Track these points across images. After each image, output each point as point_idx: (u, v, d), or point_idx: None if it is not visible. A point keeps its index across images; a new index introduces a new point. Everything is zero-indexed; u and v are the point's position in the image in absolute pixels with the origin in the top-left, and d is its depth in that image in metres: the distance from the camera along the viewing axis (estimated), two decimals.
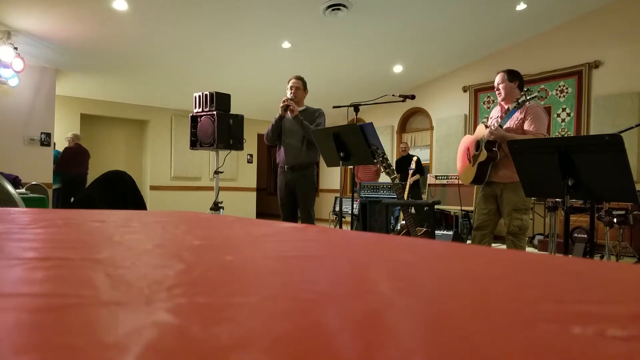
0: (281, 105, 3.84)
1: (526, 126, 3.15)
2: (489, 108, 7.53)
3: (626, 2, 6.08)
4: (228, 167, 5.53)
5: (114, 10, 5.27)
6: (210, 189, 9.18)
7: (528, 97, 3.09)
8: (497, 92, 3.40)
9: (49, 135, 6.98)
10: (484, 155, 3.24)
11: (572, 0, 6.14)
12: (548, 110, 6.90)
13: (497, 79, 3.40)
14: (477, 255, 0.66)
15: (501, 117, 3.31)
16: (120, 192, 2.63)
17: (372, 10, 5.87)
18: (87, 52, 6.41)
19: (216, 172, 4.77)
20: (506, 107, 3.33)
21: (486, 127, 3.27)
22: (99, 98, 8.61)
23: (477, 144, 3.33)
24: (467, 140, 3.51)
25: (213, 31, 6.07)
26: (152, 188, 9.24)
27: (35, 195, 3.89)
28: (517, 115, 3.18)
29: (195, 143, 4.71)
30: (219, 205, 4.77)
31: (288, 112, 3.83)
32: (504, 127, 3.20)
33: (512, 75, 3.36)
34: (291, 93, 3.94)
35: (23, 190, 4.31)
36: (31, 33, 5.75)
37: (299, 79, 4.01)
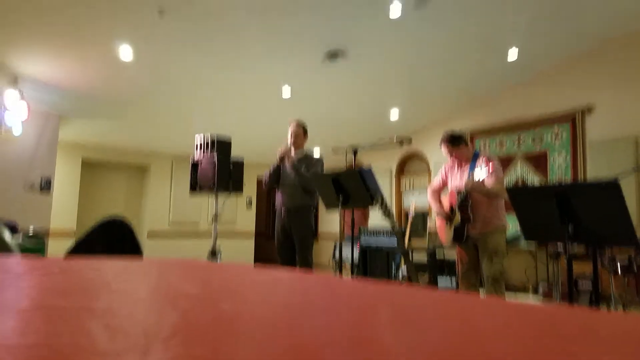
0: (278, 155, 3.90)
1: (487, 181, 3.38)
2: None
3: (615, 46, 6.23)
4: (227, 211, 5.52)
5: (119, 56, 5.42)
6: (209, 234, 9.13)
7: (487, 166, 3.33)
8: (451, 160, 3.71)
9: (49, 181, 6.99)
10: (458, 218, 3.48)
11: (562, 45, 6.31)
12: (544, 155, 6.99)
13: (444, 150, 3.68)
14: (480, 307, 0.66)
15: (459, 167, 3.66)
16: (119, 239, 2.61)
17: (369, 58, 6.04)
18: (92, 97, 6.53)
19: (215, 217, 4.75)
20: (464, 164, 3.62)
21: (458, 192, 3.53)
22: (101, 143, 8.70)
23: (452, 209, 3.58)
24: (442, 200, 3.79)
25: (215, 77, 6.22)
26: (150, 234, 9.18)
27: (33, 242, 3.86)
28: (479, 163, 3.40)
29: (195, 187, 4.73)
30: (216, 252, 4.71)
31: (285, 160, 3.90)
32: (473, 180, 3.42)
33: (455, 141, 3.63)
34: (291, 140, 4.00)
35: (20, 237, 4.28)
36: (38, 79, 5.89)
37: (300, 125, 4.08)
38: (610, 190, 2.08)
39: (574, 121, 6.66)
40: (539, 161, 7.05)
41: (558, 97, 6.82)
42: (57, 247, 7.14)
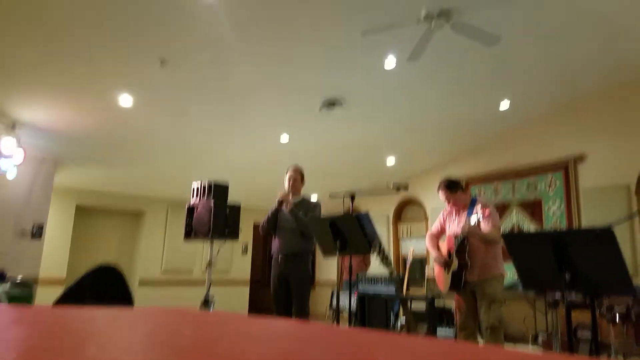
0: (277, 199, 3.90)
1: (483, 225, 3.43)
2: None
3: (604, 97, 6.40)
4: (222, 258, 5.43)
5: (119, 104, 5.50)
6: (202, 282, 8.97)
7: (484, 211, 3.41)
8: (449, 205, 3.75)
9: (41, 227, 6.91)
10: (455, 264, 3.48)
11: (553, 96, 6.48)
12: (538, 202, 7.03)
13: (442, 196, 3.74)
14: (479, 356, 0.64)
15: (457, 213, 3.69)
16: (109, 287, 2.56)
17: (365, 108, 6.18)
18: (88, 143, 6.57)
19: (209, 264, 4.68)
20: (461, 211, 3.65)
21: (455, 237, 3.56)
22: (96, 189, 8.67)
23: (449, 254, 3.59)
24: (440, 246, 3.80)
25: (214, 123, 6.31)
26: (142, 283, 9.00)
27: (20, 290, 3.77)
28: (476, 209, 3.46)
29: (190, 233, 4.68)
30: (210, 300, 4.60)
31: (283, 206, 3.89)
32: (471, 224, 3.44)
33: (453, 187, 3.70)
34: (289, 186, 4.01)
35: (8, 285, 4.19)
36: (35, 125, 5.93)
37: (297, 170, 4.10)
38: (605, 237, 2.08)
39: (567, 169, 6.74)
40: (534, 209, 7.08)
41: (551, 146, 6.93)
42: (46, 295, 6.98)
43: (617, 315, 4.43)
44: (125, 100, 5.43)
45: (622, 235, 5.66)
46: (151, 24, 4.20)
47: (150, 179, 8.30)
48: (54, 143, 6.47)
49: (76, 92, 5.30)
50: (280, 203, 3.89)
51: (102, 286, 2.52)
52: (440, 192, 3.71)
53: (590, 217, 6.30)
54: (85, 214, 9.00)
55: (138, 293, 8.68)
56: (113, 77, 5.05)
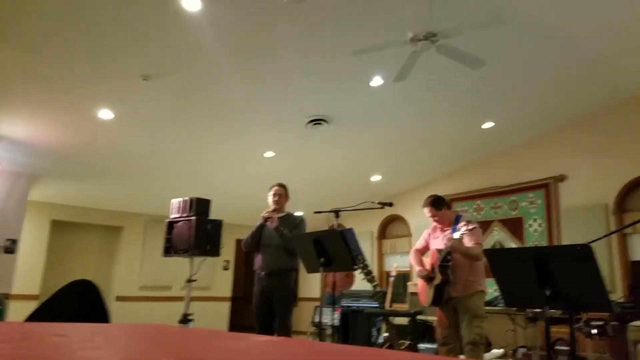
0: (262, 215, 3.87)
1: (466, 241, 3.46)
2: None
3: (587, 120, 6.56)
4: (202, 274, 5.32)
5: (99, 119, 5.42)
6: (181, 299, 8.80)
7: (468, 227, 3.41)
8: (434, 221, 3.78)
9: (14, 242, 6.73)
10: (438, 278, 3.49)
11: (535, 119, 6.61)
12: (520, 220, 7.12)
13: (427, 212, 3.77)
14: None
15: (441, 230, 3.72)
16: (86, 303, 2.49)
17: (351, 126, 6.21)
18: (66, 157, 6.44)
19: (189, 281, 4.58)
20: (445, 228, 3.68)
21: (438, 251, 3.58)
22: (72, 204, 8.48)
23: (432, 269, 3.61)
24: (423, 261, 3.81)
25: (196, 138, 6.25)
26: (119, 298, 8.80)
27: None
28: (460, 225, 3.47)
29: (169, 249, 4.59)
30: (189, 317, 4.50)
31: (268, 222, 3.86)
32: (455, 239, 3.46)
33: (438, 204, 3.75)
34: (274, 201, 3.98)
35: None
36: (12, 139, 5.80)
37: (282, 186, 4.09)
38: (584, 253, 2.11)
39: (548, 188, 6.86)
40: (515, 226, 7.17)
41: (532, 166, 7.07)
42: (19, 311, 6.77)
43: (595, 329, 4.49)
44: (105, 115, 5.36)
45: (600, 253, 5.78)
46: (133, 40, 4.17)
47: (129, 195, 8.18)
48: (30, 157, 6.34)
49: (54, 107, 5.21)
50: (266, 219, 3.85)
51: (78, 302, 2.45)
52: (425, 208, 3.75)
53: (570, 235, 6.39)
54: (61, 229, 8.81)
55: (115, 309, 8.48)
56: (93, 92, 4.98)
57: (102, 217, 8.92)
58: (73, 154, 6.37)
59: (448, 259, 3.50)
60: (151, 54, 4.41)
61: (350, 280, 6.71)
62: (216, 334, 1.03)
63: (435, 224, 3.79)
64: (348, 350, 0.82)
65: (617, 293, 5.80)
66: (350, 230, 3.36)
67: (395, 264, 7.03)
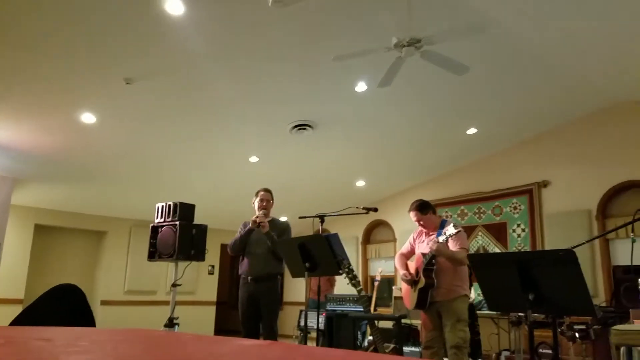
0: (254, 219, 3.84)
1: (451, 245, 3.50)
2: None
3: (569, 127, 6.67)
4: (187, 279, 5.28)
5: (82, 123, 5.37)
6: (166, 303, 8.72)
7: (454, 230, 3.42)
8: (420, 226, 3.81)
9: None
10: (422, 281, 3.52)
11: (519, 126, 6.72)
12: (504, 225, 7.21)
13: (413, 217, 3.80)
14: None
15: (427, 234, 3.75)
16: (70, 308, 2.47)
17: (335, 131, 6.24)
18: (49, 161, 6.36)
19: (174, 285, 4.56)
20: (430, 233, 3.70)
21: (423, 255, 3.60)
22: (56, 208, 8.37)
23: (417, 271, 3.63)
24: (408, 265, 3.83)
25: (180, 143, 6.22)
26: (104, 302, 8.70)
27: None
28: (446, 230, 3.47)
29: (153, 254, 4.56)
30: (174, 321, 4.49)
31: (260, 227, 3.84)
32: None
33: (424, 209, 3.78)
34: (262, 207, 3.97)
35: None
36: None
37: (268, 191, 4.08)
38: (568, 258, 2.14)
39: (531, 194, 6.96)
40: (499, 231, 7.25)
41: (515, 173, 7.16)
42: (3, 316, 6.65)
43: (577, 334, 4.55)
44: (88, 118, 5.31)
45: (583, 258, 5.85)
46: (115, 43, 4.15)
47: (113, 199, 8.10)
48: (12, 161, 6.24)
49: (37, 110, 5.14)
50: (257, 224, 3.83)
51: (62, 306, 2.42)
52: (411, 212, 3.77)
53: (553, 240, 6.48)
54: (45, 233, 8.68)
55: (100, 313, 8.38)
56: (76, 96, 4.93)
57: (86, 221, 8.82)
58: (56, 158, 6.29)
59: (433, 263, 3.52)
60: (134, 57, 4.38)
61: (331, 283, 6.72)
62: (203, 338, 1.03)
63: (421, 228, 3.82)
64: (333, 353, 0.83)
65: (600, 297, 5.90)
66: (336, 235, 3.36)
67: (380, 268, 7.04)
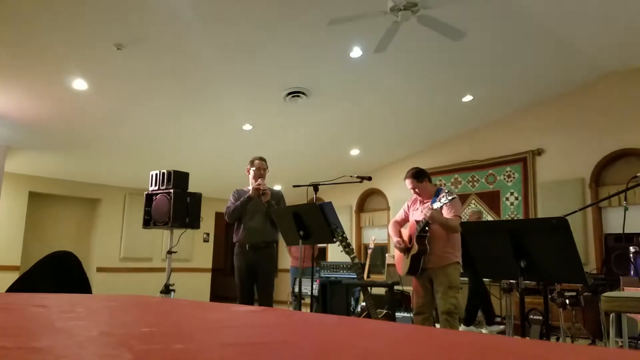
0: (255, 186, 3.82)
1: (445, 212, 3.51)
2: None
3: (564, 96, 6.66)
4: (182, 246, 5.33)
5: (74, 89, 5.28)
6: (162, 270, 8.81)
7: (448, 197, 3.43)
8: (415, 193, 3.80)
9: None
10: (415, 248, 3.54)
11: (514, 94, 6.68)
12: (497, 193, 7.26)
13: (409, 184, 3.79)
14: (439, 339, 0.65)
15: (421, 202, 3.74)
16: (66, 275, 2.48)
17: (330, 98, 6.17)
18: (42, 129, 6.30)
19: (169, 252, 4.59)
20: (425, 201, 3.70)
21: (417, 222, 3.62)
22: (50, 176, 8.34)
23: (410, 239, 3.66)
24: (402, 232, 3.85)
25: (174, 110, 6.15)
26: (99, 269, 8.78)
27: None
28: (441, 197, 3.47)
29: (148, 222, 4.57)
30: (170, 287, 4.55)
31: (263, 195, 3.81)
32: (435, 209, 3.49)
33: (420, 176, 3.77)
34: (259, 175, 3.94)
35: None
36: None
37: (264, 160, 4.05)
38: (560, 227, 2.16)
39: (525, 163, 6.98)
40: (492, 199, 7.30)
41: (510, 141, 7.16)
42: (0, 282, 6.69)
43: (568, 300, 4.65)
44: (80, 85, 5.21)
45: (575, 226, 5.93)
46: (107, 7, 4.03)
47: (107, 166, 8.05)
48: (4, 129, 6.17)
49: (29, 77, 5.05)
50: (260, 192, 3.81)
51: (58, 273, 2.44)
52: (407, 180, 3.77)
53: (546, 209, 6.55)
54: (40, 201, 8.67)
55: (96, 280, 8.47)
56: (67, 62, 4.83)
57: (80, 189, 8.80)
58: (49, 126, 6.21)
59: (426, 230, 3.55)
60: (124, 22, 4.27)
61: (313, 248, 6.75)
62: (198, 304, 1.04)
63: (415, 196, 3.83)
64: (327, 319, 0.84)
65: (591, 265, 6.01)
66: (329, 204, 3.37)
67: (373, 236, 7.08)
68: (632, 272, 4.17)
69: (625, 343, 3.38)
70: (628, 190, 2.38)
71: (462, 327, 5.68)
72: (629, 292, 3.57)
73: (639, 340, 3.47)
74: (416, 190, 3.75)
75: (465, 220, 6.80)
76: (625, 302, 3.09)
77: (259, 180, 3.88)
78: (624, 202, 5.50)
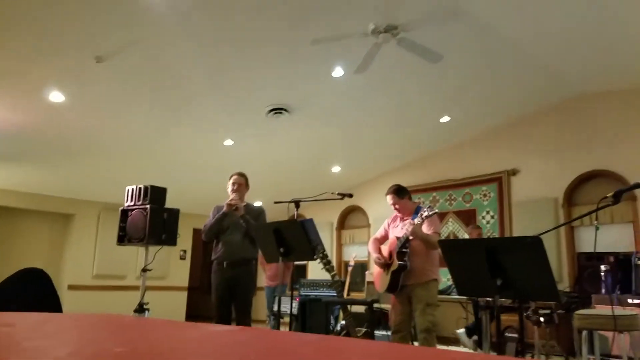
0: (228, 202, 3.79)
1: (425, 228, 3.57)
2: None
3: (539, 118, 6.82)
4: (158, 264, 5.19)
5: (50, 101, 5.19)
6: (137, 288, 8.60)
7: (429, 212, 3.48)
8: (395, 209, 3.84)
9: None
10: (395, 264, 3.55)
11: (490, 115, 6.83)
12: (473, 212, 7.37)
13: (390, 200, 3.84)
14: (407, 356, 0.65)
15: (401, 219, 3.79)
16: (36, 292, 2.40)
17: (311, 115, 6.21)
18: (13, 140, 6.11)
19: (144, 270, 4.49)
20: (405, 218, 3.73)
21: (397, 238, 3.63)
22: (20, 189, 8.11)
23: (390, 255, 3.67)
24: (381, 249, 3.86)
25: (153, 125, 6.09)
26: (71, 287, 8.52)
27: None
28: (421, 214, 3.53)
29: (123, 238, 4.48)
30: (144, 306, 4.43)
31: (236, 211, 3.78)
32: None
33: (401, 193, 3.84)
34: (233, 190, 3.92)
35: None
36: None
37: (242, 175, 4.03)
38: (534, 245, 2.20)
39: (500, 182, 7.11)
40: (468, 218, 7.40)
41: (486, 161, 7.29)
42: None
43: (542, 318, 4.71)
44: (57, 97, 5.13)
45: (549, 244, 6.02)
46: (86, 19, 4.00)
47: (82, 181, 7.89)
48: None
49: (3, 87, 4.94)
50: (233, 208, 3.78)
51: (27, 291, 2.36)
52: (388, 196, 3.80)
53: (521, 227, 6.64)
54: (9, 215, 8.42)
55: (67, 298, 8.22)
56: (44, 73, 4.75)
57: (52, 204, 8.58)
58: (21, 137, 6.07)
59: (406, 246, 3.57)
60: (105, 36, 4.24)
61: (288, 268, 6.70)
62: (173, 323, 1.02)
63: (395, 213, 3.86)
64: (305, 338, 0.83)
65: (564, 282, 6.10)
66: (311, 220, 3.37)
67: (354, 254, 7.09)
68: (603, 290, 4.25)
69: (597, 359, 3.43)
70: (598, 210, 2.44)
71: (464, 338, 5.71)
72: (600, 309, 3.64)
73: (610, 358, 3.53)
74: (396, 206, 3.78)
75: (467, 235, 6.88)
76: (596, 319, 3.15)
77: (233, 195, 3.86)
78: (595, 221, 5.65)
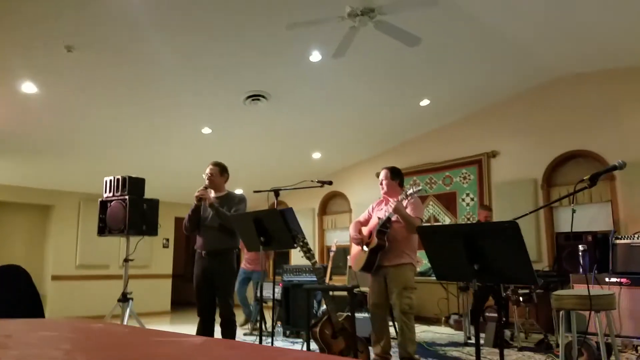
0: (196, 195, 3.78)
1: (408, 210, 3.61)
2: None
3: (517, 100, 6.88)
4: (141, 253, 5.16)
5: (23, 92, 5.05)
6: (120, 277, 8.55)
7: (414, 189, 3.52)
8: (380, 186, 3.87)
9: None
10: (374, 242, 3.58)
11: (469, 98, 6.86)
12: (453, 195, 7.44)
13: (382, 175, 3.89)
14: None
15: (386, 203, 3.80)
16: (13, 290, 2.37)
17: (290, 101, 6.16)
18: None
19: (126, 260, 4.48)
20: (390, 199, 3.74)
21: (379, 218, 3.66)
22: None
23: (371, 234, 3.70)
24: (362, 230, 3.89)
25: (130, 114, 5.97)
26: (55, 278, 8.43)
27: None
28: (406, 188, 3.60)
29: (103, 230, 4.46)
30: (128, 296, 4.44)
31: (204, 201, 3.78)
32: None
33: (395, 174, 3.90)
34: (208, 180, 3.91)
35: None
36: None
37: (216, 165, 3.99)
38: (511, 230, 2.23)
39: (480, 164, 7.17)
40: (449, 201, 7.48)
41: (466, 143, 7.35)
42: None
43: (521, 298, 4.83)
44: (29, 88, 4.99)
45: (528, 225, 6.15)
46: (55, 5, 3.88)
47: (60, 172, 7.74)
48: None
49: None
50: (200, 199, 3.77)
51: (5, 289, 2.32)
52: (383, 171, 3.86)
53: (500, 208, 6.74)
54: None
55: (51, 289, 8.16)
56: (15, 64, 4.61)
57: (30, 195, 8.42)
58: None
59: (387, 226, 3.59)
60: (75, 21, 4.11)
61: (267, 255, 6.72)
62: (146, 332, 1.01)
63: (380, 198, 3.88)
64: (280, 352, 0.83)
65: (544, 262, 6.24)
66: (290, 209, 3.38)
67: (335, 239, 7.11)
68: (580, 270, 4.35)
69: (574, 338, 3.53)
70: (576, 193, 2.49)
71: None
72: (577, 289, 3.73)
73: (587, 335, 3.64)
74: (385, 182, 3.80)
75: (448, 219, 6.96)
76: (572, 299, 3.23)
77: (201, 187, 3.84)
78: (572, 203, 5.75)
